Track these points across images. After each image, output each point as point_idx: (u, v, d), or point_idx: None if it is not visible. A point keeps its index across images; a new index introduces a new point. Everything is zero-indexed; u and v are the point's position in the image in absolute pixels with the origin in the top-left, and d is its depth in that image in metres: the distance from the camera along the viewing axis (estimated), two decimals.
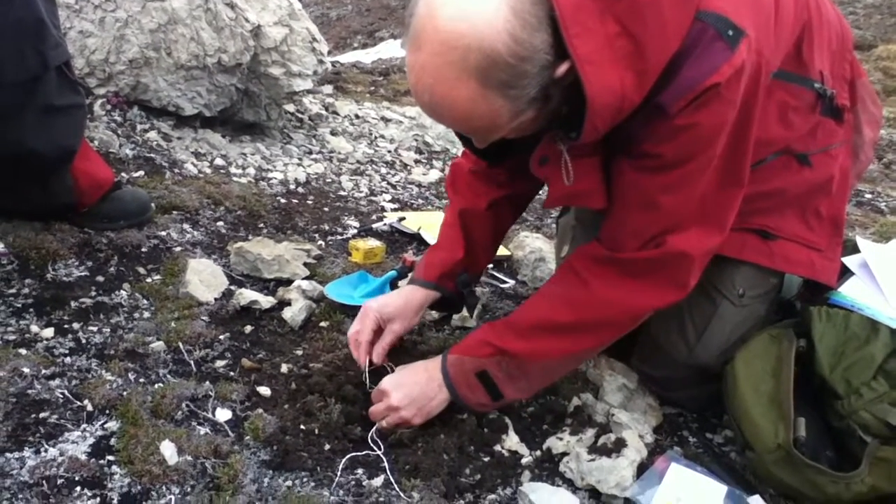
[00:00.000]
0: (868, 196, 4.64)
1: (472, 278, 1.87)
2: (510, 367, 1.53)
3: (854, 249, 1.80)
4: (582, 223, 1.91)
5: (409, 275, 2.23)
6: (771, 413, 1.48)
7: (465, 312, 2.06)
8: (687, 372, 1.70)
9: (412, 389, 1.55)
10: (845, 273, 1.75)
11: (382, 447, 1.52)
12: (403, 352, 1.83)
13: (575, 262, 1.55)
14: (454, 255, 1.80)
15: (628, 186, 1.43)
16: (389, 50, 14.93)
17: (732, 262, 1.62)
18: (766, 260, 1.63)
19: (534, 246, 2.57)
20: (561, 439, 1.60)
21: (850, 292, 1.69)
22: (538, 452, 1.59)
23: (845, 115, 1.65)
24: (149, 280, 2.08)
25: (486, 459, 1.54)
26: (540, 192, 1.93)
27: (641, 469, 1.52)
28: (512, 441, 1.60)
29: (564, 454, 1.56)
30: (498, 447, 1.58)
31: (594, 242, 1.54)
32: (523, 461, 1.56)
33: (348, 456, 1.49)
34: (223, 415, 1.57)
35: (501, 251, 2.64)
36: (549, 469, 1.55)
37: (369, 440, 1.53)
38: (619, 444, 1.52)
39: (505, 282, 2.46)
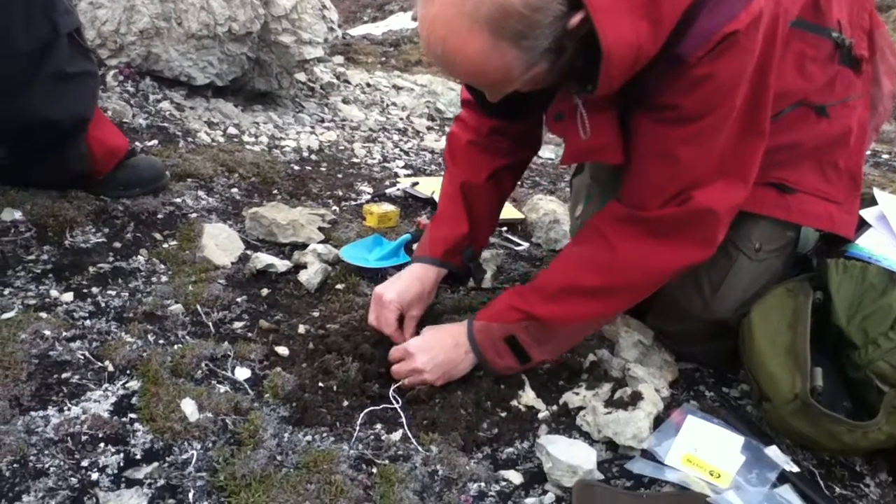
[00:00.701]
0: (885, 157, 4.59)
1: (477, 252, 1.87)
2: (537, 331, 1.54)
3: (872, 202, 1.78)
4: (597, 181, 1.90)
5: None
6: (788, 364, 1.48)
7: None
8: (702, 326, 1.70)
9: (437, 354, 1.56)
10: (862, 225, 1.73)
11: (401, 402, 1.53)
12: None
13: (599, 224, 1.54)
14: (458, 231, 1.80)
15: (647, 140, 1.42)
16: (400, 22, 14.80)
17: (749, 216, 1.61)
18: (784, 214, 1.62)
19: (547, 208, 2.57)
20: (577, 394, 1.61)
21: (868, 244, 1.67)
22: (555, 407, 1.60)
23: (864, 65, 1.63)
24: (165, 245, 2.09)
25: (504, 414, 1.56)
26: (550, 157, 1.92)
27: (657, 422, 1.53)
28: (529, 396, 1.61)
29: (581, 408, 1.57)
30: (515, 402, 1.59)
31: (615, 202, 1.53)
32: (540, 416, 1.57)
33: (366, 410, 1.50)
34: (242, 374, 1.59)
35: (515, 214, 2.64)
36: (565, 423, 1.56)
37: (390, 395, 1.54)
38: (636, 398, 1.53)
39: (519, 244, 2.46)
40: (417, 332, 1.69)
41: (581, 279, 1.52)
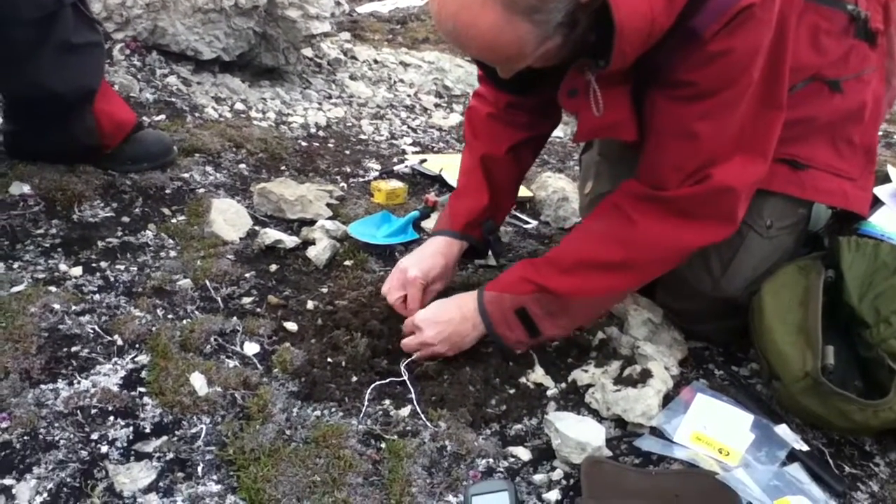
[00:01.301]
0: None
1: (496, 225, 1.86)
2: (551, 304, 1.53)
3: (885, 179, 1.77)
4: (607, 158, 1.89)
5: (433, 215, 2.23)
6: (799, 342, 1.47)
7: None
8: (712, 304, 1.69)
9: (446, 327, 1.56)
10: (875, 203, 1.72)
11: (409, 377, 1.53)
12: None
13: (618, 201, 1.52)
14: (479, 203, 1.79)
15: (664, 117, 1.40)
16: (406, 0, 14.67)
17: (761, 192, 1.58)
18: (797, 190, 1.60)
19: (556, 186, 2.55)
20: (586, 371, 1.60)
21: (881, 222, 1.66)
22: (563, 385, 1.60)
23: (879, 38, 1.60)
24: (174, 220, 2.09)
25: (512, 391, 1.55)
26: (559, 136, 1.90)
27: (667, 400, 1.53)
28: (537, 374, 1.60)
29: (590, 385, 1.56)
30: (523, 380, 1.59)
31: (634, 180, 1.52)
32: (549, 393, 1.57)
33: (374, 385, 1.51)
34: (251, 348, 1.59)
35: (524, 192, 2.62)
36: (574, 400, 1.55)
37: (402, 368, 1.54)
38: (645, 375, 1.53)
39: (528, 222, 2.45)
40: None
41: (600, 253, 1.51)
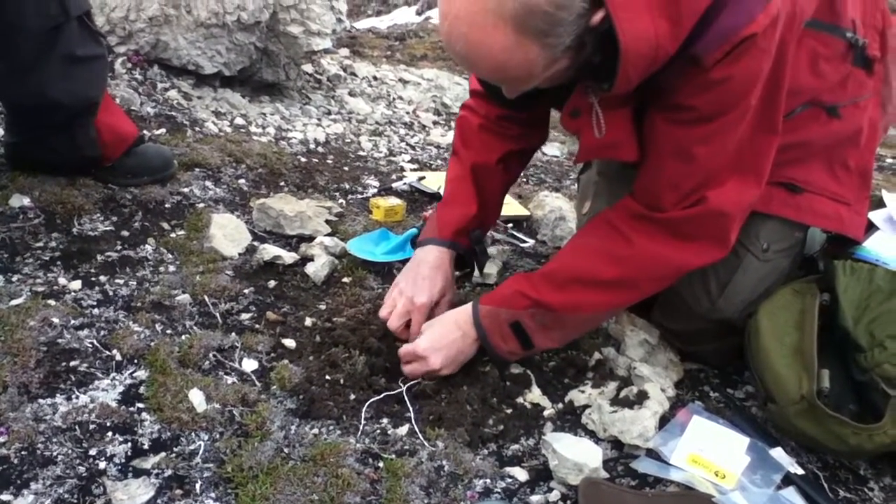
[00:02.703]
0: (889, 161, 4.59)
1: (482, 235, 1.88)
2: (545, 318, 1.54)
3: (879, 204, 1.78)
4: (605, 177, 1.90)
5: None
6: (794, 364, 1.48)
7: (486, 269, 2.06)
8: (708, 325, 1.70)
9: (450, 350, 1.57)
10: (870, 227, 1.74)
11: (409, 397, 1.53)
12: None
13: (613, 218, 1.54)
14: (468, 211, 1.81)
15: (662, 138, 1.42)
16: (404, 16, 14.78)
17: (758, 215, 1.61)
18: (794, 213, 1.62)
19: (553, 205, 2.57)
20: (583, 392, 1.61)
21: (875, 246, 1.68)
22: (560, 405, 1.60)
23: (875, 66, 1.63)
24: (173, 235, 2.09)
25: (509, 411, 1.56)
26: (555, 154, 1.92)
27: (663, 422, 1.54)
28: (534, 394, 1.61)
29: (586, 406, 1.57)
30: (520, 399, 1.60)
31: (629, 198, 1.53)
32: (545, 413, 1.57)
33: (371, 401, 1.51)
34: (249, 365, 1.60)
35: (521, 211, 2.64)
36: (571, 421, 1.56)
37: (403, 390, 1.55)
38: (642, 396, 1.53)
39: (525, 241, 2.46)
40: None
41: (595, 270, 1.52)
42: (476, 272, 2.04)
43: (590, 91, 1.38)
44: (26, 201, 2.03)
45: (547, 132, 1.90)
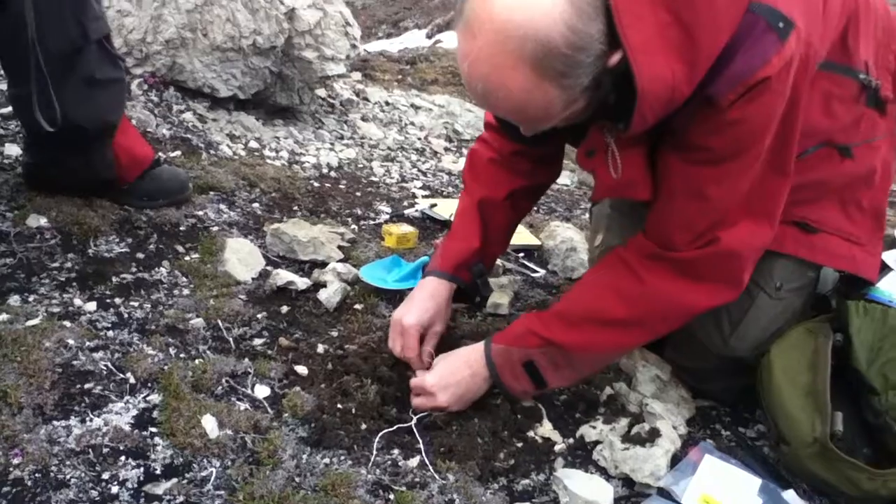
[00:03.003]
0: None
1: (485, 268, 1.89)
2: (557, 356, 1.54)
3: (893, 244, 1.79)
4: (617, 211, 1.92)
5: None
6: (807, 406, 1.48)
7: (497, 299, 2.07)
8: (720, 363, 1.71)
9: (458, 389, 1.57)
10: (883, 268, 1.74)
11: (419, 429, 1.54)
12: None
13: (626, 257, 1.55)
14: (470, 245, 1.81)
15: (676, 177, 1.43)
16: (415, 39, 14.90)
17: (771, 254, 1.61)
18: (807, 253, 1.63)
19: (565, 236, 2.58)
20: (594, 428, 1.61)
21: (889, 287, 1.68)
22: (571, 440, 1.60)
23: (888, 106, 1.64)
24: (187, 258, 2.10)
25: (520, 445, 1.56)
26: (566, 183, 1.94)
27: (675, 460, 1.53)
28: (545, 428, 1.61)
29: (598, 442, 1.57)
30: (531, 433, 1.60)
31: (642, 237, 1.54)
32: (556, 448, 1.57)
33: (383, 432, 1.51)
34: (262, 391, 1.60)
35: (532, 241, 2.65)
36: (582, 456, 1.56)
37: (413, 421, 1.55)
38: (654, 434, 1.53)
39: (536, 271, 2.47)
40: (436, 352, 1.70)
41: (607, 309, 1.52)
42: (486, 303, 2.05)
43: (606, 131, 1.39)
44: (43, 221, 2.04)
45: (559, 168, 1.90)
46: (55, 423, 1.40)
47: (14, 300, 1.73)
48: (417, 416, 1.57)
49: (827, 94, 1.54)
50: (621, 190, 1.52)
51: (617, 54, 1.19)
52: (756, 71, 1.24)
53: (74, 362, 1.56)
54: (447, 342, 1.78)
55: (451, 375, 1.58)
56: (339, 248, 2.31)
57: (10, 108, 2.61)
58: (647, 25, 1.18)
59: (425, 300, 1.76)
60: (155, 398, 1.52)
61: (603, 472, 1.51)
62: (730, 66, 1.24)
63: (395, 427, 1.53)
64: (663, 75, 1.22)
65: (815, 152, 1.58)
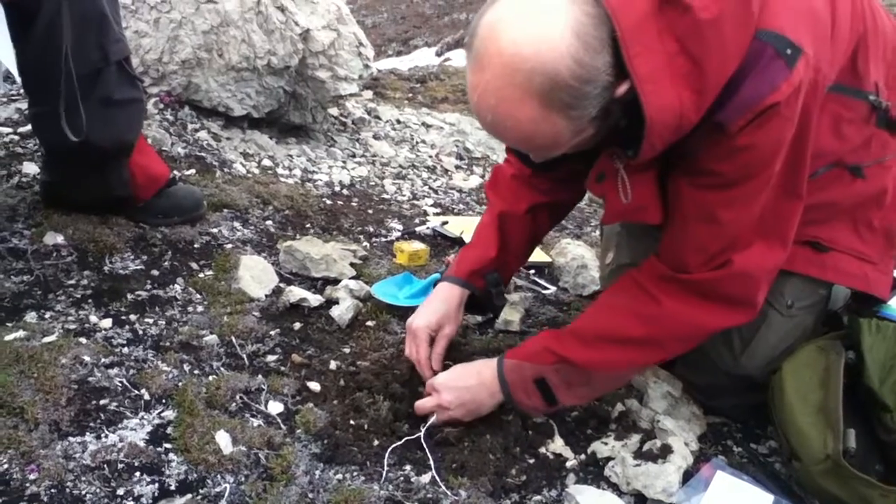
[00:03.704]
0: None
1: (501, 279, 1.89)
2: (570, 374, 1.55)
3: None
4: (628, 230, 1.92)
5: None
6: (819, 423, 1.48)
7: (508, 315, 2.08)
8: (732, 381, 1.71)
9: (463, 394, 1.58)
10: (895, 286, 1.74)
11: (428, 444, 1.54)
12: (451, 349, 1.84)
13: (640, 279, 1.55)
14: (486, 253, 1.83)
15: (687, 202, 1.44)
16: (424, 57, 15.03)
17: (782, 272, 1.60)
18: (818, 271, 1.63)
19: (575, 253, 2.58)
20: (606, 444, 1.61)
21: None
22: (583, 456, 1.60)
23: None
24: (201, 275, 2.13)
25: (532, 461, 1.56)
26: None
27: (686, 476, 1.53)
28: (557, 444, 1.61)
29: (609, 458, 1.57)
30: (543, 449, 1.60)
31: (655, 259, 1.55)
32: (568, 464, 1.57)
33: (393, 447, 1.52)
34: (275, 407, 1.61)
35: (543, 257, 2.65)
36: (593, 473, 1.56)
37: (421, 438, 1.55)
38: (666, 451, 1.53)
39: (546, 287, 2.48)
40: (447, 366, 1.71)
41: (623, 328, 1.53)
42: (497, 319, 2.06)
43: (615, 157, 1.41)
44: (60, 239, 2.07)
45: (582, 189, 1.89)
46: (71, 438, 1.42)
47: (31, 317, 1.76)
48: (425, 427, 1.57)
49: (837, 116, 1.54)
50: (632, 214, 1.52)
51: (625, 84, 1.21)
52: (765, 98, 1.25)
53: (90, 379, 1.58)
54: (458, 359, 1.79)
55: (460, 379, 1.61)
56: (352, 265, 2.33)
57: (28, 127, 2.66)
58: (654, 55, 1.20)
59: (435, 303, 1.79)
60: (169, 414, 1.53)
61: (615, 488, 1.51)
62: (738, 92, 1.25)
63: (403, 440, 1.54)
64: (671, 104, 1.23)
65: (826, 173, 1.58)
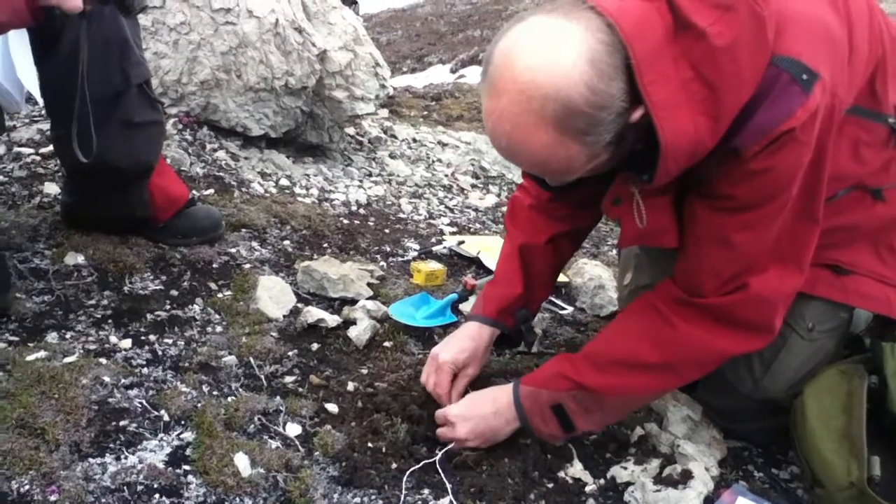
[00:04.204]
0: None
1: (530, 314, 1.88)
2: (586, 400, 1.54)
3: None
4: (646, 251, 1.91)
5: (471, 298, 2.26)
6: (842, 450, 1.46)
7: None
8: (752, 405, 1.69)
9: (479, 424, 1.58)
10: None
11: (446, 468, 1.53)
12: None
13: (656, 302, 1.55)
14: (513, 291, 1.82)
15: (702, 225, 1.43)
16: (439, 75, 15.10)
17: (803, 295, 1.60)
18: (840, 295, 1.62)
19: (593, 273, 2.58)
20: (625, 468, 1.60)
21: None
22: (602, 481, 1.59)
23: None
24: (220, 295, 2.14)
25: (550, 486, 1.55)
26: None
27: (707, 502, 1.51)
28: (576, 468, 1.60)
29: (629, 483, 1.56)
30: (562, 474, 1.59)
31: (670, 282, 1.54)
32: (587, 489, 1.56)
33: (411, 470, 1.52)
34: (293, 429, 1.61)
35: (560, 278, 2.64)
36: (613, 498, 1.55)
37: (437, 463, 1.54)
38: (686, 476, 1.52)
39: (563, 308, 2.47)
40: (467, 392, 1.71)
41: (638, 353, 1.52)
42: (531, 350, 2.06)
43: (630, 181, 1.41)
44: (80, 259, 2.09)
45: (600, 212, 1.88)
46: (91, 460, 1.42)
47: (52, 337, 1.77)
48: (445, 452, 1.56)
49: (855, 139, 1.53)
50: (648, 238, 1.52)
51: (639, 110, 1.21)
52: (780, 123, 1.25)
53: (110, 399, 1.59)
54: (477, 380, 1.79)
55: (475, 409, 1.60)
56: (369, 285, 2.34)
57: (50, 148, 2.69)
58: (669, 82, 1.20)
59: (465, 340, 1.77)
60: (188, 436, 1.53)
61: None
62: (754, 118, 1.25)
63: (421, 464, 1.53)
64: (686, 130, 1.23)
65: (846, 196, 1.57)
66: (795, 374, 1.65)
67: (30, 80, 1.99)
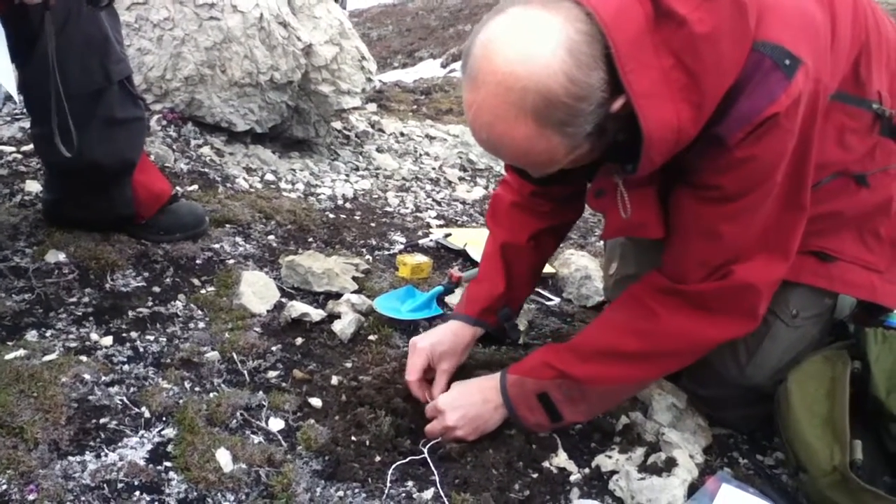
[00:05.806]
0: None
1: (513, 312, 1.88)
2: (571, 390, 1.54)
3: None
4: (631, 240, 1.91)
5: (457, 290, 2.25)
6: (826, 435, 1.46)
7: None
8: (737, 392, 1.69)
9: (468, 411, 1.57)
10: None
11: (432, 459, 1.53)
12: None
13: (639, 292, 1.54)
14: (495, 289, 1.81)
15: (688, 216, 1.43)
16: (429, 69, 15.08)
17: (787, 282, 1.59)
18: (825, 282, 1.61)
19: (579, 264, 2.57)
20: (610, 457, 1.59)
21: None
22: (587, 470, 1.59)
23: None
24: (203, 291, 2.12)
25: (535, 476, 1.55)
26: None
27: (692, 490, 1.51)
28: (560, 458, 1.60)
29: (614, 472, 1.55)
30: (546, 464, 1.58)
31: (656, 273, 1.54)
32: (572, 478, 1.56)
33: (396, 464, 1.51)
34: (276, 424, 1.60)
35: (547, 269, 2.64)
36: (597, 487, 1.54)
37: (425, 452, 1.54)
38: (670, 464, 1.51)
39: (550, 299, 2.47)
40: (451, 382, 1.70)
41: (621, 343, 1.52)
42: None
43: (614, 173, 1.40)
44: (62, 257, 2.08)
45: (583, 206, 1.87)
46: (70, 458, 1.41)
47: (31, 335, 1.76)
48: (430, 445, 1.56)
49: (840, 126, 1.52)
50: (632, 230, 1.52)
51: (620, 100, 1.20)
52: (763, 110, 1.24)
53: (90, 397, 1.58)
54: (461, 372, 1.78)
55: (462, 397, 1.59)
56: (354, 278, 2.32)
57: (31, 146, 2.67)
58: (650, 71, 1.19)
59: (446, 333, 1.76)
60: (170, 432, 1.52)
61: (619, 502, 1.49)
62: (736, 105, 1.25)
63: (407, 459, 1.53)
64: (669, 118, 1.22)
65: (831, 183, 1.57)
66: (779, 360, 1.65)
67: (7, 79, 1.97)
